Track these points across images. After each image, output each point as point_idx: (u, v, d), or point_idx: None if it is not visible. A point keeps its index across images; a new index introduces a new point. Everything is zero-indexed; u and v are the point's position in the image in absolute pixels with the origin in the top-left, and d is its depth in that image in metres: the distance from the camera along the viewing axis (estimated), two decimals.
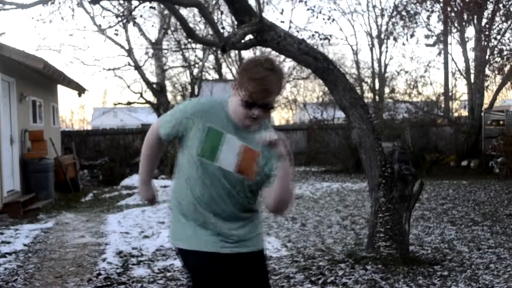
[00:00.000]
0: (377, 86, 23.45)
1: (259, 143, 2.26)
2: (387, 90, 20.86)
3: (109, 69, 22.40)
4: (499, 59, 15.92)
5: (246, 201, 2.41)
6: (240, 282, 2.41)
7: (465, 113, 18.13)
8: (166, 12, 17.75)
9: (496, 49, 15.90)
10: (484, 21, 15.88)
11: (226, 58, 29.76)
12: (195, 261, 2.35)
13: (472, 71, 17.02)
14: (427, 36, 16.98)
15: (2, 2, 7.16)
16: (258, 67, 2.23)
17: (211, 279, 2.31)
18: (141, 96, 23.82)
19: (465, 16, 15.23)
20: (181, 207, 2.41)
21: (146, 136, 2.52)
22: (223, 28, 12.40)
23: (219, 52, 23.00)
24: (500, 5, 15.01)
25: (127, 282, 4.91)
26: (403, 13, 16.60)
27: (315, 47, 6.50)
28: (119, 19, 10.20)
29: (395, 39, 18.56)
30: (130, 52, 21.67)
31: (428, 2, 15.77)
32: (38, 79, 11.95)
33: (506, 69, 16.09)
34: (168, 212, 9.10)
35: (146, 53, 21.23)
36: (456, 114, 18.90)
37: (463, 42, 16.95)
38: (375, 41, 23.28)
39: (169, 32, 19.21)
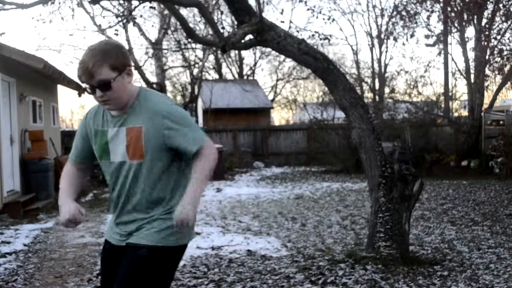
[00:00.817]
0: (377, 86, 23.49)
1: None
2: (387, 90, 20.89)
3: None
4: (499, 59, 15.92)
5: (148, 191, 2.36)
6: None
7: (465, 113, 18.13)
8: (166, 12, 17.75)
9: (496, 49, 15.90)
10: (484, 21, 15.89)
11: (226, 58, 29.79)
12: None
13: (472, 71, 17.02)
14: (427, 36, 16.98)
15: (2, 2, 7.16)
16: (86, 51, 2.29)
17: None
18: None
19: (465, 16, 15.24)
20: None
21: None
22: (223, 28, 12.40)
23: (219, 52, 23.01)
24: (500, 5, 15.02)
25: None
26: (403, 13, 16.62)
27: (315, 47, 6.50)
28: (119, 19, 10.20)
29: (395, 39, 18.59)
30: (130, 52, 21.67)
31: (428, 2, 15.79)
32: (38, 79, 11.95)
33: (506, 69, 16.09)
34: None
35: (146, 53, 21.24)
36: (456, 114, 18.90)
37: (463, 42, 16.95)
38: (375, 41, 23.32)
39: (169, 32, 19.23)
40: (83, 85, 2.30)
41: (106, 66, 2.22)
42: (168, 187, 2.38)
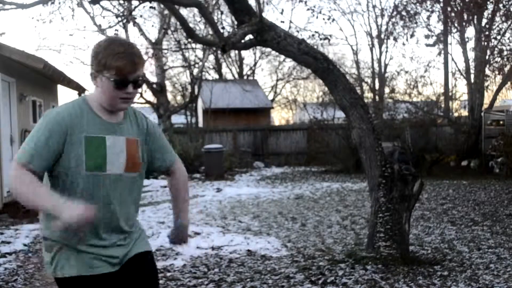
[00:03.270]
0: (377, 86, 23.48)
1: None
2: (387, 90, 20.88)
3: None
4: (499, 59, 15.93)
5: (133, 208, 2.27)
6: None
7: (465, 113, 18.14)
8: (166, 12, 17.75)
9: (496, 49, 15.91)
10: (484, 21, 15.90)
11: (226, 58, 29.77)
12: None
13: (472, 71, 17.03)
14: (427, 36, 17.00)
15: (2, 2, 7.17)
16: (113, 44, 2.07)
17: None
18: (141, 96, 23.78)
19: (465, 16, 15.24)
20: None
21: (13, 183, 2.00)
22: (223, 28, 12.40)
23: (219, 52, 23.02)
24: (500, 5, 15.02)
25: None
26: (403, 13, 16.62)
27: (315, 47, 6.50)
28: (119, 19, 10.20)
29: (395, 39, 18.59)
30: None
31: (428, 2, 15.79)
32: (38, 79, 11.95)
33: (506, 69, 16.10)
34: (168, 212, 9.10)
35: (146, 53, 21.23)
36: (456, 114, 18.91)
37: (463, 42, 16.95)
38: (375, 41, 23.33)
39: (169, 32, 19.23)
40: (114, 76, 2.03)
41: (142, 66, 2.14)
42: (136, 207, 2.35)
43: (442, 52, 18.27)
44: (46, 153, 2.02)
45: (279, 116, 41.59)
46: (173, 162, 2.38)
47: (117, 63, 2.02)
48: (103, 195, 2.11)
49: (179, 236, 2.43)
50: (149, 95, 24.26)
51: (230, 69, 31.83)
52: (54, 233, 2.07)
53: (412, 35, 17.12)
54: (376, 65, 23.59)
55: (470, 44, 16.92)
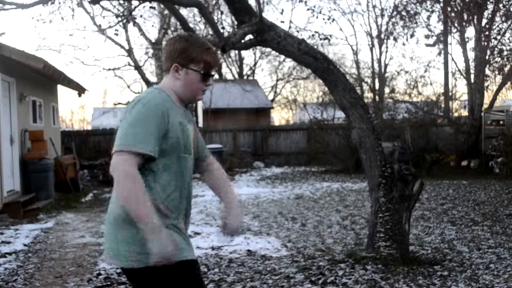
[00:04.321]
0: (377, 86, 23.48)
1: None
2: (387, 90, 20.88)
3: (109, 69, 22.45)
4: (499, 59, 15.94)
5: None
6: None
7: (465, 113, 18.14)
8: (166, 12, 17.76)
9: (496, 49, 15.91)
10: (484, 21, 15.89)
11: (226, 58, 29.76)
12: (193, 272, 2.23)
13: (472, 71, 17.02)
14: (427, 36, 17.00)
15: (2, 2, 7.17)
16: (199, 40, 2.25)
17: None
18: None
19: (465, 16, 15.25)
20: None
21: (119, 171, 2.03)
22: (223, 28, 12.39)
23: (219, 52, 22.97)
24: (500, 5, 15.03)
25: (127, 282, 4.90)
26: (403, 13, 16.63)
27: (315, 47, 6.50)
28: (119, 19, 10.20)
29: (395, 39, 18.60)
30: (130, 52, 21.68)
31: (428, 2, 15.80)
32: (38, 79, 11.95)
33: (506, 69, 16.10)
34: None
35: (146, 53, 21.25)
36: (456, 114, 18.91)
37: (463, 42, 16.95)
38: (375, 41, 23.32)
39: (169, 32, 19.20)
40: (202, 69, 2.21)
41: None
42: None
43: (442, 52, 18.27)
44: (156, 139, 2.09)
45: (279, 116, 41.66)
46: (209, 153, 2.53)
47: (207, 57, 2.21)
48: (184, 178, 2.25)
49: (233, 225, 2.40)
50: None
51: (230, 69, 31.86)
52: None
53: (412, 35, 17.13)
54: (376, 65, 23.60)
55: (470, 44, 16.94)
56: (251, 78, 31.83)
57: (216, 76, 30.02)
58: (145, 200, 2.01)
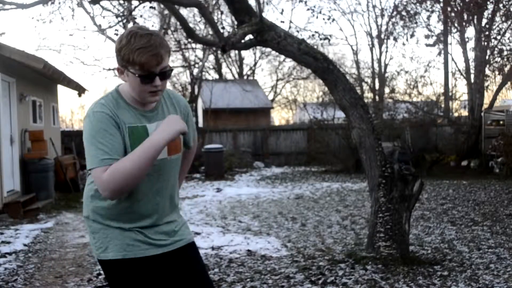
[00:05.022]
0: (377, 86, 23.48)
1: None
2: (387, 90, 20.88)
3: (109, 69, 22.43)
4: (499, 59, 15.93)
5: (175, 187, 2.34)
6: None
7: (465, 113, 18.14)
8: (166, 12, 17.75)
9: (496, 49, 15.91)
10: (484, 21, 15.89)
11: (226, 58, 29.77)
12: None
13: (472, 71, 17.02)
14: (427, 36, 16.98)
15: (2, 2, 7.17)
16: (133, 38, 2.03)
17: None
18: None
19: (465, 16, 15.23)
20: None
21: (106, 183, 1.99)
22: (223, 28, 12.40)
23: (219, 52, 23.01)
24: (500, 5, 15.02)
25: None
26: (403, 13, 16.63)
27: (315, 47, 6.50)
28: (119, 19, 10.20)
29: (395, 39, 18.60)
30: None
31: (428, 2, 15.80)
32: (38, 79, 11.95)
33: (506, 69, 16.09)
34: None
35: None
36: (456, 114, 18.91)
37: (463, 42, 16.95)
38: (375, 41, 23.32)
39: (169, 32, 19.20)
40: (138, 72, 2.03)
41: (168, 55, 2.11)
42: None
43: (442, 52, 18.27)
44: (119, 146, 2.05)
45: (279, 116, 41.62)
46: (195, 138, 2.53)
47: (140, 59, 2.00)
48: (152, 181, 2.16)
49: None
50: None
51: (230, 69, 31.86)
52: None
53: (412, 35, 17.13)
54: (376, 65, 23.61)
55: (470, 44, 16.93)
56: (251, 78, 31.82)
57: (216, 76, 30.05)
58: (134, 155, 2.00)
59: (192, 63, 22.91)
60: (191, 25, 10.89)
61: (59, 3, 10.06)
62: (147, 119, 2.17)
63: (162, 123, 2.07)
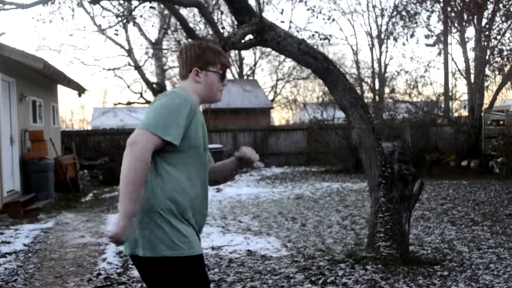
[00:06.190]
0: (377, 86, 23.47)
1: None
2: (387, 90, 20.87)
3: (109, 69, 22.44)
4: (499, 59, 15.92)
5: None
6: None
7: (465, 113, 18.13)
8: (166, 12, 17.76)
9: (496, 49, 15.90)
10: (484, 21, 15.89)
11: None
12: (199, 267, 2.30)
13: (472, 71, 17.01)
14: (427, 36, 16.98)
15: (2, 2, 7.17)
16: (212, 45, 2.47)
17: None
18: (141, 96, 23.79)
19: (465, 16, 15.24)
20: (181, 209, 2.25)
21: (132, 154, 2.08)
22: (223, 28, 12.40)
23: None
24: (500, 5, 15.02)
25: (127, 282, 4.91)
26: (403, 13, 16.63)
27: (315, 47, 6.50)
28: (119, 19, 10.19)
29: (395, 39, 18.60)
30: (130, 52, 21.67)
31: (428, 2, 15.80)
32: (38, 79, 11.95)
33: (506, 69, 16.09)
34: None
35: (146, 53, 21.25)
36: (456, 114, 18.90)
37: (463, 42, 16.94)
38: (375, 41, 23.30)
39: (169, 32, 19.23)
40: (220, 70, 2.42)
41: None
42: None
43: (442, 52, 18.26)
44: (182, 131, 2.21)
45: (279, 116, 41.64)
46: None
47: (222, 59, 2.43)
48: (203, 175, 2.37)
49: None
50: (149, 95, 24.28)
51: (230, 69, 31.84)
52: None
53: (412, 35, 17.12)
54: (376, 65, 23.59)
55: (470, 44, 16.92)
56: (251, 78, 31.83)
57: None
58: (139, 188, 2.10)
59: None
60: (191, 25, 10.89)
61: (59, 3, 10.04)
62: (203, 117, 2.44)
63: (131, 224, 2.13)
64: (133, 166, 2.07)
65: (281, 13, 22.95)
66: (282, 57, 27.00)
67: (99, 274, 5.18)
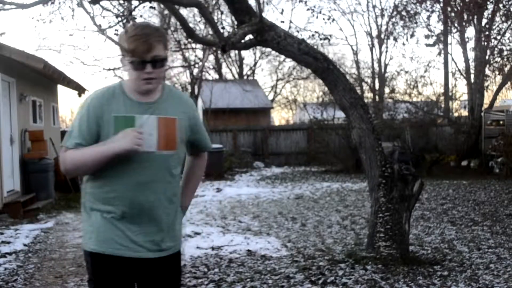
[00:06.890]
0: (377, 86, 23.47)
1: None
2: (387, 90, 20.87)
3: (109, 69, 22.44)
4: (499, 59, 15.92)
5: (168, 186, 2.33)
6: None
7: (465, 113, 18.13)
8: (166, 12, 17.75)
9: (496, 49, 15.90)
10: (484, 21, 15.88)
11: (226, 58, 29.77)
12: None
13: (472, 71, 17.02)
14: (427, 36, 16.98)
15: (2, 2, 7.16)
16: (132, 29, 2.22)
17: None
18: None
19: (465, 16, 15.23)
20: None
21: (61, 161, 2.25)
22: (223, 28, 12.39)
23: (219, 52, 23.00)
24: (500, 5, 15.01)
25: None
26: (403, 13, 16.62)
27: (315, 47, 6.50)
28: (119, 19, 10.18)
29: (395, 39, 18.60)
30: None
31: (428, 2, 15.78)
32: (38, 79, 11.95)
33: (506, 69, 16.09)
34: None
35: None
36: (456, 114, 18.90)
37: (463, 42, 16.94)
38: (375, 41, 23.31)
39: (169, 32, 19.20)
40: (131, 58, 2.17)
41: (162, 44, 2.22)
42: (179, 183, 2.43)
43: (442, 52, 18.26)
44: (88, 134, 2.21)
45: (279, 116, 41.61)
46: (209, 148, 2.57)
47: (130, 45, 2.16)
48: (134, 173, 2.21)
49: None
50: None
51: (230, 69, 31.86)
52: None
53: (412, 35, 17.11)
54: (376, 65, 23.60)
55: (470, 44, 16.93)
56: (251, 78, 31.82)
57: (216, 76, 30.04)
58: (82, 153, 2.19)
59: (192, 63, 22.91)
60: (191, 25, 10.89)
61: (59, 3, 10.03)
62: (141, 110, 2.24)
63: (119, 134, 2.16)
64: (73, 164, 2.26)
65: (281, 13, 23.02)
66: (282, 57, 27.01)
67: None
